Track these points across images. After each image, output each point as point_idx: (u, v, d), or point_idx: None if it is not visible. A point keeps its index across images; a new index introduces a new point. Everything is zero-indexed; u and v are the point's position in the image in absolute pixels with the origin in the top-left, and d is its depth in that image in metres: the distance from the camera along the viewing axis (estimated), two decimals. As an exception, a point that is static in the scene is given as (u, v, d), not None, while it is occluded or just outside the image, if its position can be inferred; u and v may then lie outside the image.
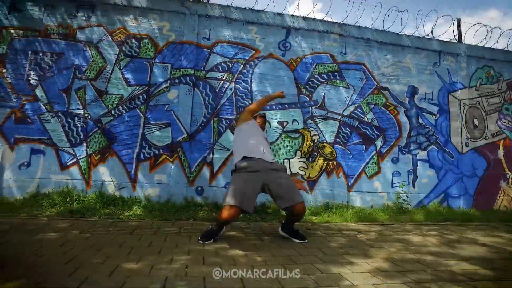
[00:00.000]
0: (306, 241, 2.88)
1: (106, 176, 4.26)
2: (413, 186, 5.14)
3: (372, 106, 5.14)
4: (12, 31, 4.27)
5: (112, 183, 4.25)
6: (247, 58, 4.81)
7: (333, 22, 5.15)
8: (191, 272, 2.01)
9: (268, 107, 4.74)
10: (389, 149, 5.13)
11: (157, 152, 4.41)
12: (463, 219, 4.63)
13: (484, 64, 5.73)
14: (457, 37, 5.74)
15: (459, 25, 5.78)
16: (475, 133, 5.51)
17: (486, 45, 5.76)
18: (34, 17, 4.33)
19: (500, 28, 5.69)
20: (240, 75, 4.75)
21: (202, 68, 4.66)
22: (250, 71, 4.80)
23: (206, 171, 4.50)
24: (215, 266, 2.10)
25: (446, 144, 5.36)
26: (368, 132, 5.07)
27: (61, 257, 2.16)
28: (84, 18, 4.45)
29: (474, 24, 5.76)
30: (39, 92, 4.20)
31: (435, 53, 5.54)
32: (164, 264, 2.15)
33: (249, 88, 4.76)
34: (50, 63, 4.28)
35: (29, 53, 4.25)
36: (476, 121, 5.53)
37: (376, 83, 5.20)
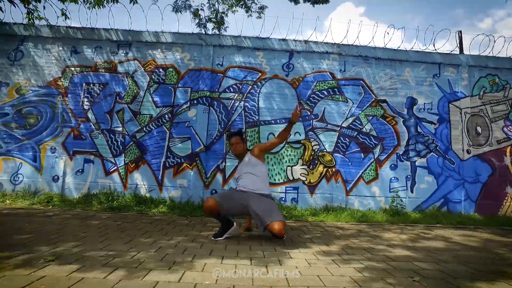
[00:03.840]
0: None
1: (139, 180, 5.30)
2: (411, 191, 5.49)
3: (370, 117, 5.62)
4: (72, 68, 5.55)
5: (144, 186, 5.28)
6: (254, 79, 5.61)
7: (332, 43, 5.76)
8: (180, 246, 2.84)
9: (273, 121, 5.49)
10: (387, 157, 5.55)
11: (179, 161, 5.37)
12: (458, 222, 4.91)
13: (487, 73, 5.90)
14: (458, 48, 5.99)
15: (460, 37, 6.03)
16: (479, 140, 5.69)
17: (490, 54, 5.92)
18: (87, 57, 5.58)
19: (504, 37, 5.83)
20: (248, 95, 5.56)
21: (217, 90, 5.56)
22: (258, 91, 5.59)
23: (219, 177, 5.35)
24: (202, 243, 2.94)
25: (446, 151, 5.63)
26: (366, 142, 5.56)
27: (98, 233, 3.16)
28: (123, 54, 5.61)
29: (478, 35, 5.98)
30: (90, 114, 5.40)
31: (434, 65, 5.86)
32: (164, 240, 3.02)
33: (256, 105, 5.54)
34: (98, 91, 5.48)
35: (84, 84, 5.49)
36: (479, 129, 5.71)
37: (374, 96, 5.68)
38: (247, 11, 6.95)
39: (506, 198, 5.58)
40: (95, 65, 5.55)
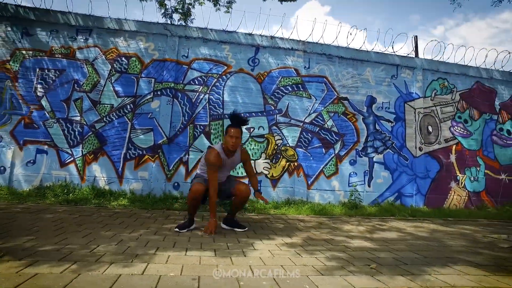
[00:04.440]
0: (245, 228, 3.44)
1: (98, 172, 5.09)
2: (369, 186, 5.79)
3: (332, 114, 5.83)
4: (24, 52, 5.17)
5: (103, 178, 5.08)
6: (220, 72, 5.58)
7: (298, 40, 5.88)
8: (142, 238, 2.78)
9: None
10: (347, 152, 5.80)
11: (141, 152, 5.22)
12: (409, 215, 5.26)
13: (439, 76, 6.35)
14: (414, 52, 6.38)
15: (416, 41, 6.42)
16: (430, 138, 6.11)
17: (441, 59, 6.36)
18: (41, 40, 5.22)
19: (452, 44, 6.30)
20: (213, 88, 5.53)
21: (181, 81, 5.46)
22: (223, 84, 5.57)
23: (182, 169, 5.27)
24: (165, 235, 2.90)
25: (401, 148, 5.99)
26: (328, 137, 5.76)
27: (52, 227, 3.00)
28: (82, 40, 5.33)
29: (432, 40, 6.42)
30: (44, 102, 5.08)
31: (393, 66, 6.20)
32: (125, 233, 2.94)
33: (221, 98, 5.53)
34: (54, 78, 5.16)
35: (37, 69, 5.14)
36: (430, 128, 6.13)
37: (336, 94, 5.89)
38: (215, 5, 6.87)
39: (450, 192, 6.06)
40: (51, 49, 5.22)
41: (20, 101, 5.04)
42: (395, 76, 6.19)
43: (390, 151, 5.96)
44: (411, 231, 4.01)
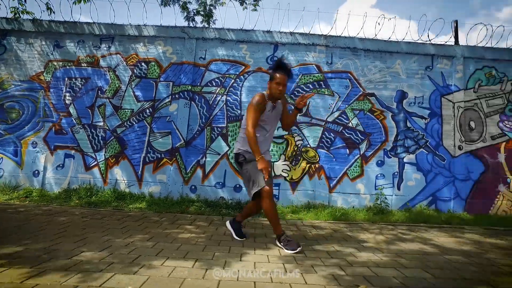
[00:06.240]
0: (244, 239, 3.21)
1: (119, 175, 5.28)
2: (398, 189, 5.29)
3: (357, 112, 5.42)
4: (55, 63, 5.52)
5: (124, 181, 5.26)
6: (238, 73, 5.47)
7: (319, 35, 5.55)
8: (131, 245, 2.77)
9: (256, 116, 5.34)
10: (374, 153, 5.35)
11: (159, 156, 5.31)
12: (444, 222, 4.71)
13: (484, 65, 5.58)
14: (453, 39, 5.69)
15: (456, 27, 5.71)
16: (472, 136, 5.42)
17: (488, 45, 5.60)
18: (70, 51, 5.54)
19: (503, 26, 5.49)
20: (231, 89, 5.43)
21: (199, 84, 5.45)
22: (240, 84, 5.45)
23: (199, 172, 5.27)
24: (157, 242, 2.88)
25: (437, 147, 5.39)
26: (352, 137, 5.37)
27: (56, 230, 3.12)
28: (105, 48, 5.55)
29: (476, 24, 5.67)
30: (71, 109, 5.39)
31: (427, 56, 5.58)
32: (120, 239, 2.96)
33: (238, 99, 5.41)
34: (80, 86, 5.44)
35: (66, 79, 5.46)
36: (473, 124, 5.43)
37: (362, 90, 5.46)
38: (241, 3, 6.73)
39: (498, 196, 5.32)
40: (78, 59, 5.51)
41: (52, 109, 5.39)
42: (430, 67, 5.57)
43: (424, 150, 5.39)
44: (438, 242, 3.55)
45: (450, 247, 3.34)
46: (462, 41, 5.36)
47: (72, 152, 5.30)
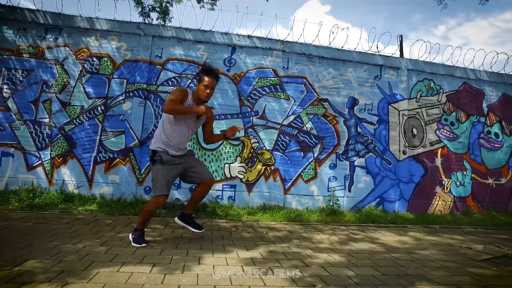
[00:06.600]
0: (202, 230, 3.19)
1: (67, 176, 4.93)
2: (349, 191, 5.59)
3: (312, 116, 5.63)
4: (-10, 51, 5.01)
5: (72, 182, 4.93)
6: (194, 73, 5.39)
7: (276, 40, 5.68)
8: (83, 251, 2.62)
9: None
10: (327, 156, 5.59)
11: (112, 156, 5.06)
12: (390, 221, 5.06)
13: (424, 77, 6.12)
14: (399, 52, 6.16)
15: (401, 41, 6.19)
16: (414, 142, 5.90)
17: (427, 60, 6.14)
18: (8, 39, 5.06)
19: (439, 44, 6.07)
20: (187, 89, 5.33)
21: (154, 82, 5.29)
22: (198, 85, 5.38)
23: (154, 173, 5.10)
24: (111, 246, 2.75)
25: (384, 151, 5.78)
26: (306, 140, 5.56)
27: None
28: (52, 39, 5.16)
29: (417, 40, 6.17)
30: (10, 103, 4.93)
31: (376, 67, 5.98)
32: (70, 244, 2.79)
33: (196, 100, 5.33)
34: (21, 78, 5.00)
35: (3, 69, 4.97)
36: (415, 131, 5.92)
37: (316, 95, 5.68)
38: (199, 1, 6.65)
39: (435, 197, 5.85)
40: (18, 48, 5.06)
41: (-14, 102, 4.89)
42: (379, 76, 5.97)
43: (373, 154, 5.75)
44: (384, 241, 3.82)
45: (395, 245, 3.61)
46: (406, 53, 5.80)
47: (11, 150, 4.85)
